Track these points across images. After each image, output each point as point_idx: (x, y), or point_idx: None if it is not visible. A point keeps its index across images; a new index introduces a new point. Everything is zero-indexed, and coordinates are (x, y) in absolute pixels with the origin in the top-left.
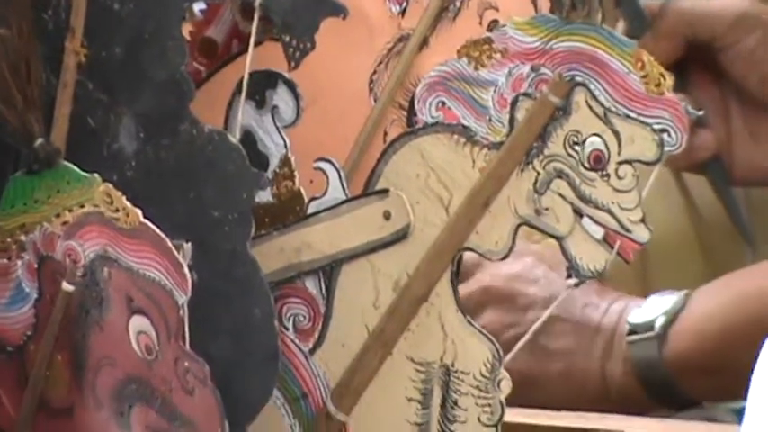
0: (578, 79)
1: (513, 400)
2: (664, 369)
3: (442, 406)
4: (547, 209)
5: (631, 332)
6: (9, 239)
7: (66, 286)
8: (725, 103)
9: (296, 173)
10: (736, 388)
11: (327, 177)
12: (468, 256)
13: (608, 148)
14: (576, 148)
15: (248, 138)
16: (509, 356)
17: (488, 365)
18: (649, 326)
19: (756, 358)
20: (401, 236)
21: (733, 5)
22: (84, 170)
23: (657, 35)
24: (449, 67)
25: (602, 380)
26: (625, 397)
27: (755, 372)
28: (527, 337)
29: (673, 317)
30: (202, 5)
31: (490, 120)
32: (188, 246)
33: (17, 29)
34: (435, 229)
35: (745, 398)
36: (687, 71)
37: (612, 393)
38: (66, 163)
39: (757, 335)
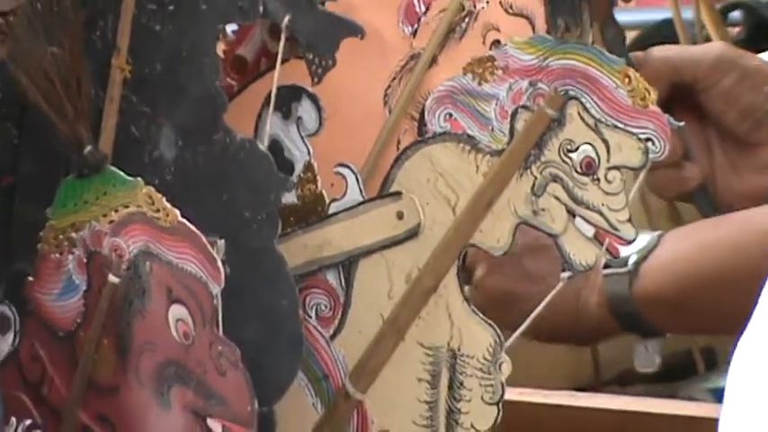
0: (572, 93)
1: (495, 318)
2: (633, 303)
3: (450, 386)
4: (543, 210)
5: (607, 266)
6: (61, 236)
7: (112, 278)
8: (707, 139)
9: (318, 177)
10: (697, 324)
11: (346, 181)
12: None
13: (598, 156)
14: (570, 155)
15: (276, 145)
16: (509, 342)
17: (491, 350)
18: (623, 262)
19: (718, 302)
20: (413, 234)
21: (711, 50)
22: (128, 174)
23: (645, 78)
24: (455, 82)
25: (576, 307)
26: (597, 324)
27: (735, 355)
28: (522, 328)
29: (645, 255)
30: (234, 27)
31: (492, 130)
32: (221, 242)
33: (69, 48)
34: (443, 227)
35: (705, 333)
36: (672, 111)
37: (585, 320)
38: (112, 168)
39: (719, 280)
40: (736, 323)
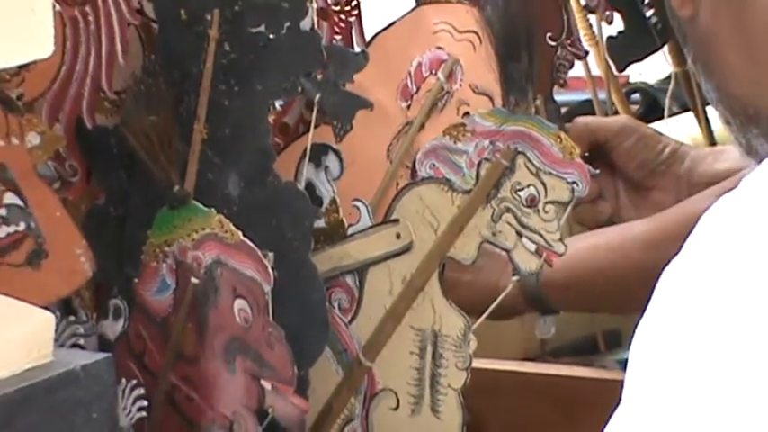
0: (520, 149)
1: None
2: (538, 287)
3: (433, 357)
4: (500, 232)
5: None
6: (158, 250)
7: (193, 280)
8: (615, 184)
9: (340, 209)
10: (584, 306)
11: (360, 212)
12: None
13: (539, 193)
14: (518, 193)
15: (310, 186)
16: (474, 326)
17: (462, 331)
18: None
19: (597, 290)
20: (407, 249)
21: (618, 120)
22: (205, 206)
23: (572, 139)
24: (437, 141)
25: (496, 289)
26: (511, 302)
27: (634, 336)
28: (484, 316)
29: None
30: (281, 102)
31: (464, 175)
32: (271, 254)
33: (163, 117)
34: (428, 244)
35: (590, 311)
36: (591, 163)
37: (501, 301)
38: (194, 202)
39: (598, 272)
40: (612, 306)
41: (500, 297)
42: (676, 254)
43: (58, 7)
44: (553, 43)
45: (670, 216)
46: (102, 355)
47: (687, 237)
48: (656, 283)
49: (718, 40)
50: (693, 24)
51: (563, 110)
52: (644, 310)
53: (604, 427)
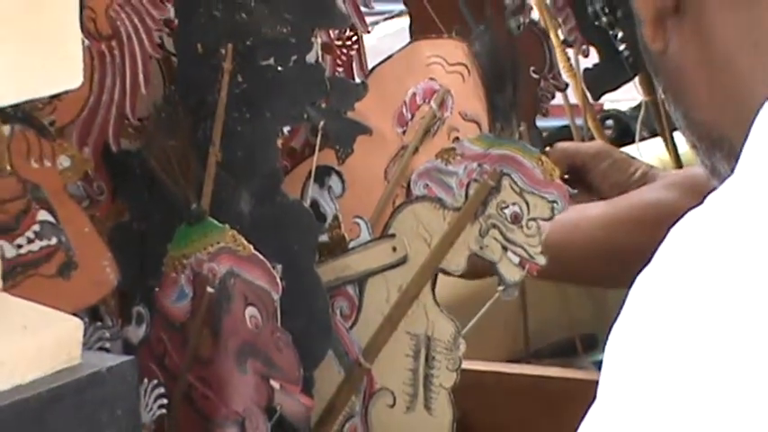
0: (505, 171)
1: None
2: None
3: (426, 359)
4: (486, 246)
5: None
6: (176, 262)
7: (209, 289)
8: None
9: (342, 225)
10: (544, 275)
11: (360, 227)
12: None
13: (522, 211)
14: (504, 210)
15: (314, 204)
16: (464, 331)
17: (453, 336)
18: None
19: (558, 262)
20: (402, 261)
21: (594, 146)
22: (220, 222)
23: (552, 162)
24: (430, 164)
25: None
26: (481, 271)
27: (609, 339)
28: (473, 321)
29: None
30: (288, 128)
31: (454, 194)
32: (279, 266)
33: (181, 141)
34: (422, 257)
35: (548, 280)
36: (569, 183)
37: (479, 269)
38: (210, 219)
39: (558, 246)
40: (570, 276)
41: (488, 303)
42: (627, 233)
43: (86, 42)
44: (536, 76)
45: (622, 202)
46: (126, 358)
47: (637, 219)
48: (610, 257)
49: (686, 72)
50: (664, 58)
51: (544, 134)
52: (599, 284)
53: (581, 422)
